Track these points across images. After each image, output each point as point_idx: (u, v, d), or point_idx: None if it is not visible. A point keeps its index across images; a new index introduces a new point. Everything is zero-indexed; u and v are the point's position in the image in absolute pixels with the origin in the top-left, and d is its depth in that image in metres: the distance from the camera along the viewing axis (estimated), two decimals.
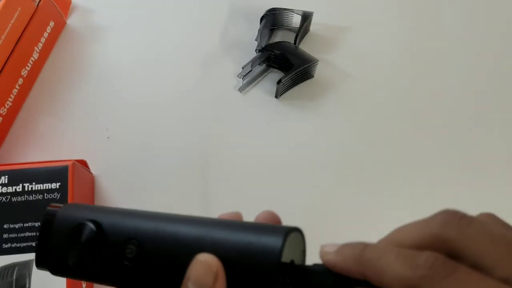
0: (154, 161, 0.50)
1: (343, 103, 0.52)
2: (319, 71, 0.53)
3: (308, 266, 0.22)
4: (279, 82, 0.50)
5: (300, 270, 0.22)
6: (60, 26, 0.57)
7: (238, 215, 0.26)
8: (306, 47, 0.53)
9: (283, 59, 0.51)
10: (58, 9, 0.55)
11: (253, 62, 0.52)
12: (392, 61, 0.54)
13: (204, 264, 0.21)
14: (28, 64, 0.52)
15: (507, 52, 0.54)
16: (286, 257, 0.21)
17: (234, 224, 0.23)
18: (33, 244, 0.40)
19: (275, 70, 0.53)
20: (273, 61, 0.53)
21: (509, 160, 0.49)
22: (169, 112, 0.52)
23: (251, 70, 0.52)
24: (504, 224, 0.21)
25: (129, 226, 0.25)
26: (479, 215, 0.21)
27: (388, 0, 0.58)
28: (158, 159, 0.50)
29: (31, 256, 0.40)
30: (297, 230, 0.22)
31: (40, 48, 0.54)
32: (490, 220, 0.21)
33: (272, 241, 0.21)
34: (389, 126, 0.51)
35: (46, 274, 0.39)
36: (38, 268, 0.26)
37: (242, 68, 0.52)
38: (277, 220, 0.25)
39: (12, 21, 0.49)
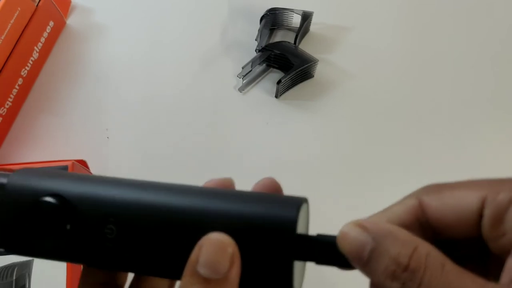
0: (153, 161, 0.50)
1: (343, 103, 0.52)
2: (319, 71, 0.53)
3: (314, 237, 0.20)
4: (279, 82, 0.50)
5: (307, 240, 0.20)
6: (60, 26, 0.56)
7: (229, 181, 0.23)
8: (306, 47, 0.53)
9: (283, 59, 0.51)
10: (58, 9, 0.55)
11: (253, 62, 0.52)
12: (393, 60, 0.54)
13: (218, 245, 0.19)
14: (28, 64, 0.52)
15: (509, 50, 0.54)
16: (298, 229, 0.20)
17: (239, 195, 0.21)
18: None
19: (275, 70, 0.53)
20: (273, 61, 0.52)
21: None
22: (169, 112, 0.52)
23: (251, 70, 0.52)
24: None
25: (103, 199, 0.21)
26: None
27: None
28: (157, 159, 0.50)
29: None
30: (306, 201, 0.21)
31: (40, 48, 0.53)
32: None
33: (285, 213, 0.19)
34: (389, 126, 0.51)
35: (46, 275, 0.39)
36: None
37: (242, 68, 0.52)
38: (278, 188, 0.23)
39: (12, 21, 0.49)
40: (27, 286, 0.39)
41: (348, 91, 0.52)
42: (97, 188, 0.21)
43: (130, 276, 0.26)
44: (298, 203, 0.20)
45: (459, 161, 0.48)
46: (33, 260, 0.40)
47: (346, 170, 0.49)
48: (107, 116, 0.52)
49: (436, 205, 0.19)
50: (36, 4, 0.52)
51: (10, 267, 0.40)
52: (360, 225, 0.19)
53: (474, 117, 0.51)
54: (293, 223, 0.19)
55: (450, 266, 0.17)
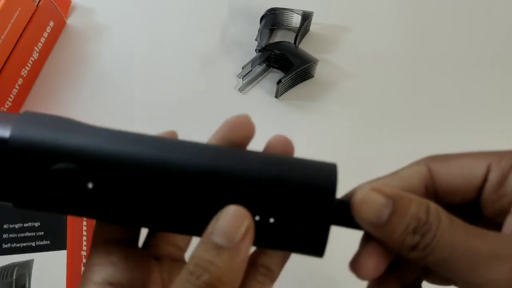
0: None
1: (343, 103, 0.52)
2: (319, 71, 0.53)
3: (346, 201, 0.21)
4: (279, 82, 0.50)
5: (341, 205, 0.21)
6: (60, 26, 0.57)
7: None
8: (306, 47, 0.53)
9: (283, 59, 0.51)
10: (58, 9, 0.55)
11: (253, 62, 0.52)
12: (392, 60, 0.54)
13: (234, 216, 0.20)
14: (28, 64, 0.52)
15: (509, 50, 0.54)
16: None
17: (272, 158, 0.22)
18: (33, 244, 0.40)
19: (275, 70, 0.53)
20: (273, 61, 0.53)
21: None
22: (169, 112, 0.52)
23: (251, 70, 0.52)
24: None
25: (125, 158, 0.20)
26: None
27: None
28: None
29: (31, 256, 0.40)
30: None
31: (40, 48, 0.54)
32: None
33: (325, 178, 0.21)
34: (389, 125, 0.51)
35: (46, 275, 0.39)
36: None
37: (242, 68, 0.52)
38: (292, 147, 0.25)
39: (12, 21, 0.49)
40: (27, 286, 0.39)
41: (348, 91, 0.52)
42: (118, 143, 0.21)
43: (143, 231, 0.25)
44: (333, 168, 0.21)
45: None
46: (33, 260, 0.40)
47: (346, 169, 0.49)
48: (107, 116, 0.52)
49: (445, 172, 0.22)
50: (36, 4, 0.52)
51: (10, 267, 0.40)
52: (376, 189, 0.20)
53: (474, 116, 0.51)
54: (333, 187, 0.20)
55: (456, 219, 0.20)
